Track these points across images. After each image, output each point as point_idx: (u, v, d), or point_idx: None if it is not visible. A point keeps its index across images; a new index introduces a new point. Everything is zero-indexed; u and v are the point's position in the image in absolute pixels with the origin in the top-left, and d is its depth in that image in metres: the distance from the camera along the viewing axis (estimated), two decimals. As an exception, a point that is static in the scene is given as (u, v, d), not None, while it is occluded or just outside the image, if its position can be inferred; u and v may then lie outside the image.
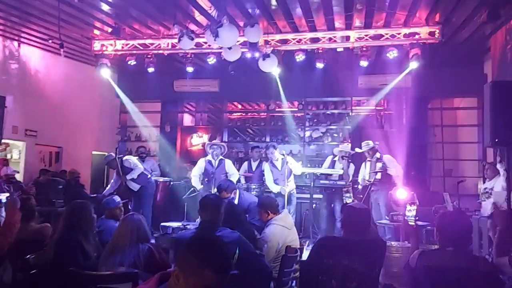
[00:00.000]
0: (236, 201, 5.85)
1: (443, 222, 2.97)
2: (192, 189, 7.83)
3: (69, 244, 3.40)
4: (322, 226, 7.75)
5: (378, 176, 7.21)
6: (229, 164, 7.60)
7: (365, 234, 3.17)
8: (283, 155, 7.57)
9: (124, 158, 7.69)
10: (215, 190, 6.64)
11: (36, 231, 4.32)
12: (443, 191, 8.21)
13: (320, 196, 7.98)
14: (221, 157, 7.58)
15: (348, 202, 7.12)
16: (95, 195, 5.75)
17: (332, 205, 7.79)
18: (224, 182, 6.15)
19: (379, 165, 7.29)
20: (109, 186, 7.77)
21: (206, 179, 7.39)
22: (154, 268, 3.23)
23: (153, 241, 3.91)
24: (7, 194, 4.59)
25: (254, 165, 8.64)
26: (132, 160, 7.81)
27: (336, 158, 7.95)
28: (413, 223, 4.74)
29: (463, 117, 10.77)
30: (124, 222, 3.39)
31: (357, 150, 7.78)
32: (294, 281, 4.06)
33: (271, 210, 4.43)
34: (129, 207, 7.17)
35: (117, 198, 4.81)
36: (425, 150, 9.86)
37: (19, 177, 8.65)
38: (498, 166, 6.60)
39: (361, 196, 7.44)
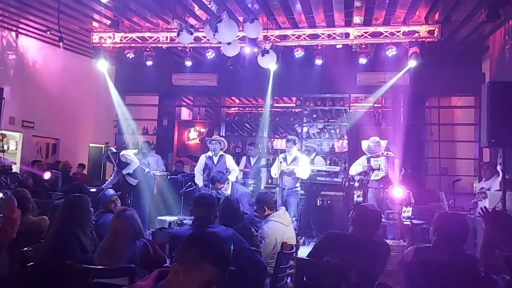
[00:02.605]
0: (228, 192, 5.93)
1: (442, 223, 3.01)
2: (189, 183, 7.84)
3: (67, 238, 3.40)
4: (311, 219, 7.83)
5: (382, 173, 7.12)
6: (229, 160, 7.52)
7: (373, 235, 3.22)
8: (296, 157, 7.43)
9: (121, 153, 7.68)
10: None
11: (34, 223, 4.33)
12: (439, 190, 8.24)
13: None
14: (221, 152, 7.51)
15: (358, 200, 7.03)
16: (94, 189, 5.71)
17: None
18: (217, 173, 6.17)
19: (396, 161, 7.17)
20: (108, 181, 7.76)
21: (206, 174, 7.37)
22: (149, 263, 3.25)
23: (148, 236, 3.92)
24: (1, 195, 4.57)
25: (252, 161, 8.64)
26: (128, 155, 7.79)
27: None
28: (408, 223, 4.76)
29: (460, 115, 10.80)
30: (118, 218, 3.36)
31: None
32: (289, 278, 4.09)
33: (268, 206, 4.45)
34: (128, 201, 7.19)
35: (109, 192, 4.69)
36: (422, 148, 9.89)
37: (15, 168, 8.63)
38: (499, 168, 6.40)
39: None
